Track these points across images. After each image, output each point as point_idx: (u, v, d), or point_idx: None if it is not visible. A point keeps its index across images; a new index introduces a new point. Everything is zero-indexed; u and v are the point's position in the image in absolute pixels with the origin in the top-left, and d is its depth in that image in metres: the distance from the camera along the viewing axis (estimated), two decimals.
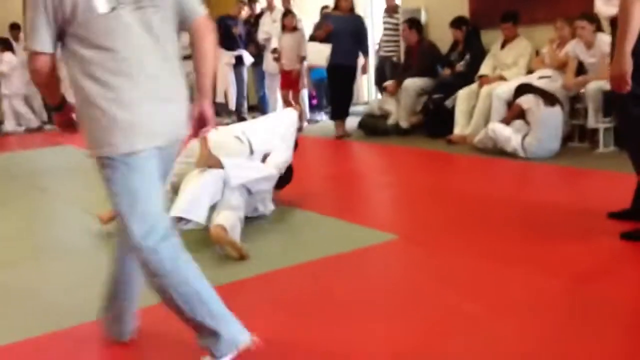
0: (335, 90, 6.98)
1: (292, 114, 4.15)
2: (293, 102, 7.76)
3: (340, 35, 6.62)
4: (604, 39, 4.89)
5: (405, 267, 2.92)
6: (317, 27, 7.29)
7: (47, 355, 2.21)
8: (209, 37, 2.02)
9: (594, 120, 5.01)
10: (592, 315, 2.20)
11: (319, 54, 6.78)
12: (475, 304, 2.34)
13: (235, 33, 8.51)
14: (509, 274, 2.62)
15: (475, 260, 2.81)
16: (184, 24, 1.98)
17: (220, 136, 3.40)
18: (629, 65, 2.72)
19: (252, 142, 3.56)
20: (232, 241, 2.97)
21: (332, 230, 3.44)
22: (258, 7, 9.10)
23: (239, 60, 8.67)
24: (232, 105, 8.82)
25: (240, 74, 8.79)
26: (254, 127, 3.78)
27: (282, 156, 3.67)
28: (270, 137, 3.71)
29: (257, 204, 3.57)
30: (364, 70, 7.35)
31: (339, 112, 6.95)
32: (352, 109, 9.09)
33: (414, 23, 6.81)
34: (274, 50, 8.00)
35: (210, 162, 3.24)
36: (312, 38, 7.18)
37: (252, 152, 3.54)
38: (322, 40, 6.77)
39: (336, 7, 6.89)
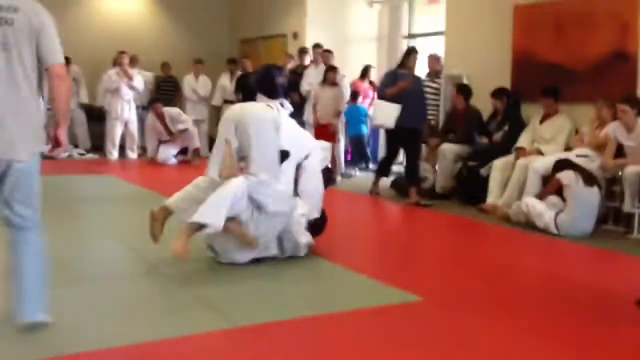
0: (408, 153, 6.57)
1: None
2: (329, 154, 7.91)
3: (410, 95, 6.25)
4: None
5: (424, 328, 2.91)
6: (386, 84, 6.52)
7: None
8: (60, 83, 2.53)
9: (630, 205, 4.97)
10: None
11: (388, 114, 6.26)
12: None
13: (277, 83, 8.75)
14: (531, 344, 2.60)
15: (491, 327, 2.79)
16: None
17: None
18: None
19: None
20: (242, 233, 3.44)
21: (355, 285, 3.46)
22: (307, 59, 9.34)
23: None
24: None
25: None
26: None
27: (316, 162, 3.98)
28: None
29: (284, 242, 3.67)
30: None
31: (412, 177, 6.44)
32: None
33: (463, 89, 6.91)
34: (308, 93, 8.23)
35: (231, 172, 3.55)
36: (381, 96, 6.50)
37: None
38: (390, 99, 6.27)
39: (402, 65, 6.49)
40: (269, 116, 3.88)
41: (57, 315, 2.87)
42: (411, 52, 6.52)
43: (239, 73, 10.37)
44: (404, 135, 6.31)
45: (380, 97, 6.48)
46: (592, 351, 2.63)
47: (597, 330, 2.87)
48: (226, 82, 10.54)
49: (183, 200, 3.79)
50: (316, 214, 3.96)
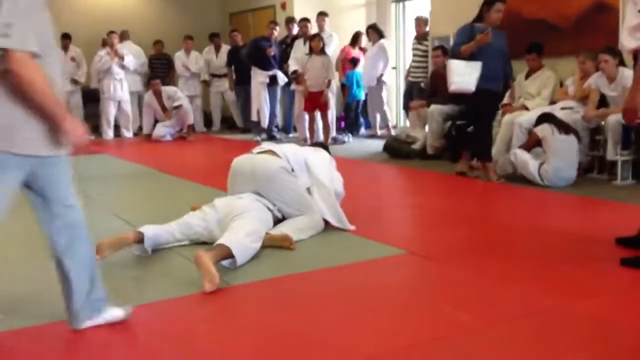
0: (482, 121, 5.45)
1: (324, 152, 4.18)
2: (322, 121, 8.02)
3: (490, 53, 5.16)
4: (626, 73, 4.98)
5: (407, 278, 3.05)
6: (462, 40, 5.29)
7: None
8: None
9: (613, 153, 5.08)
10: (580, 330, 2.31)
11: (466, 75, 5.18)
12: (468, 315, 2.46)
13: (269, 54, 8.81)
14: (507, 290, 2.73)
15: (476, 277, 2.92)
16: None
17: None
18: None
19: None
20: (207, 267, 2.84)
21: (344, 244, 3.58)
22: (295, 28, 9.37)
23: (273, 79, 8.96)
24: (265, 124, 9.09)
25: (273, 94, 9.07)
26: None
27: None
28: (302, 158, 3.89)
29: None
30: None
31: (483, 150, 5.46)
32: (380, 132, 9.29)
33: (441, 48, 6.98)
34: (294, 72, 8.30)
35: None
36: (455, 54, 5.35)
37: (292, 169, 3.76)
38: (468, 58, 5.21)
39: (480, 18, 5.29)
40: (278, 166, 3.71)
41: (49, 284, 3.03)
42: (493, 2, 5.18)
43: (224, 47, 10.45)
44: (485, 99, 5.26)
45: (454, 56, 5.34)
46: (573, 291, 2.75)
47: (577, 271, 2.99)
48: (212, 56, 10.60)
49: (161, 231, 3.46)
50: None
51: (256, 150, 3.89)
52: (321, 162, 3.95)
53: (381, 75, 8.76)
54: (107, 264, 3.05)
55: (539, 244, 3.47)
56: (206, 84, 10.83)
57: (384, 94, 8.93)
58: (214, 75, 10.69)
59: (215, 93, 10.78)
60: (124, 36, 10.34)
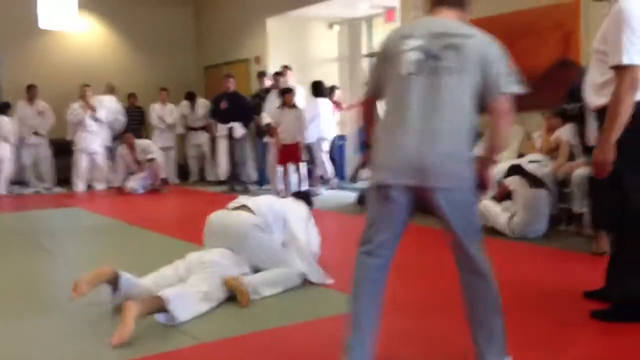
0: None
1: (302, 206, 4.18)
2: (296, 173, 8.08)
3: None
4: (594, 124, 5.13)
5: (382, 333, 3.01)
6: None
7: None
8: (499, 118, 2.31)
9: (580, 205, 5.17)
10: None
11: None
12: None
13: (222, 107, 9.03)
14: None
15: (449, 330, 2.91)
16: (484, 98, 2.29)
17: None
18: (611, 153, 2.84)
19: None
20: (125, 319, 2.81)
21: (320, 297, 3.56)
22: (266, 82, 9.52)
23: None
24: (222, 175, 9.19)
25: (231, 146, 9.14)
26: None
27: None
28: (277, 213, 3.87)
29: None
30: None
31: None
32: (352, 185, 9.35)
33: None
34: (267, 125, 8.41)
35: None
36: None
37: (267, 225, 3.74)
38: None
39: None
40: (251, 224, 3.70)
41: (26, 342, 2.94)
42: None
43: (200, 101, 10.59)
44: None
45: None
46: (544, 344, 2.76)
47: (548, 324, 3.01)
48: (187, 110, 10.70)
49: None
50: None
51: (231, 205, 3.87)
52: (298, 217, 3.95)
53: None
54: (66, 323, 2.97)
55: (510, 297, 3.45)
56: (180, 137, 10.86)
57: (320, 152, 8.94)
58: (190, 128, 10.73)
59: (192, 145, 10.77)
60: (111, 90, 10.37)
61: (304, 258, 3.77)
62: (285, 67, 8.99)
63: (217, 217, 3.82)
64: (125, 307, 2.85)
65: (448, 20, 2.36)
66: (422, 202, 2.32)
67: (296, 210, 4.00)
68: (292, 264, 3.72)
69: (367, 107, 2.53)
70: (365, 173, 7.65)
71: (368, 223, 2.39)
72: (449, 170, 2.23)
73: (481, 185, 2.36)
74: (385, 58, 2.37)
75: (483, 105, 2.31)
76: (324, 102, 8.93)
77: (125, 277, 3.28)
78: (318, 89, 8.91)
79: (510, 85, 2.30)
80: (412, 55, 2.27)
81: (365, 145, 2.71)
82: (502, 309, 2.40)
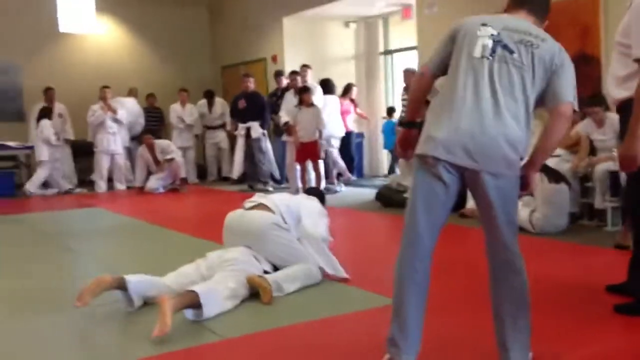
0: None
1: (315, 202, 4.17)
2: (314, 171, 8.09)
3: None
4: (614, 116, 5.09)
5: None
6: None
7: None
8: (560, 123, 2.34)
9: (601, 201, 5.14)
10: None
11: None
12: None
13: (240, 107, 9.06)
14: None
15: (469, 327, 2.91)
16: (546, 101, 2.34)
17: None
18: (639, 147, 2.79)
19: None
20: (163, 314, 2.84)
21: (339, 294, 3.59)
22: (284, 81, 9.56)
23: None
24: (235, 174, 9.26)
25: (249, 146, 9.17)
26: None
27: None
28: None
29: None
30: None
31: None
32: (372, 181, 9.37)
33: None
34: (285, 124, 8.43)
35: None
36: None
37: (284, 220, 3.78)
38: None
39: None
40: (269, 222, 3.73)
41: (46, 340, 3.01)
42: None
43: (217, 100, 10.65)
44: None
45: None
46: (567, 339, 2.75)
47: (570, 319, 3.00)
48: (205, 110, 10.78)
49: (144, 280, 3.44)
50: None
51: (248, 204, 3.90)
52: (311, 212, 3.96)
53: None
54: (87, 319, 3.03)
55: (534, 292, 3.45)
56: (197, 137, 10.95)
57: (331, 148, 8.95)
58: (208, 127, 10.81)
59: (210, 144, 10.85)
60: (131, 92, 10.52)
61: (321, 251, 3.79)
62: (305, 66, 8.99)
63: (235, 217, 3.85)
64: (161, 301, 2.88)
65: (526, 22, 2.40)
66: (468, 186, 2.31)
67: (309, 206, 4.02)
68: (310, 260, 3.75)
69: (424, 83, 2.49)
70: (402, 164, 7.53)
71: (411, 206, 2.35)
72: (504, 156, 2.23)
73: (523, 185, 2.35)
74: (458, 38, 2.38)
75: (541, 107, 2.35)
76: (332, 100, 8.94)
77: (134, 280, 3.31)
78: (326, 87, 8.92)
79: (574, 97, 2.34)
80: (487, 41, 2.31)
81: (408, 123, 2.66)
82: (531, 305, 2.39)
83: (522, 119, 2.28)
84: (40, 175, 9.51)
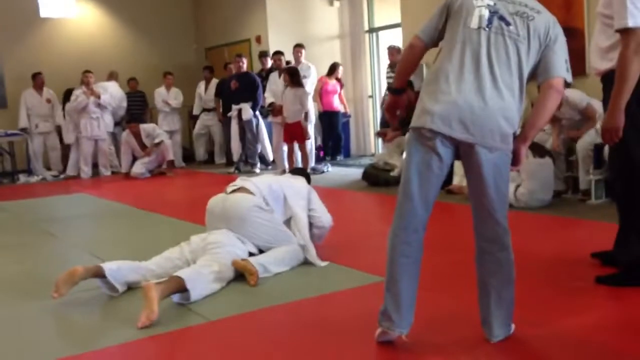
0: None
1: (301, 181, 4.14)
2: (300, 152, 8.06)
3: None
4: (570, 96, 5.19)
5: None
6: None
7: None
8: (551, 97, 2.32)
9: (584, 177, 5.18)
10: (559, 351, 2.32)
11: None
12: (448, 339, 2.46)
13: (233, 87, 8.96)
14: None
15: (454, 301, 2.93)
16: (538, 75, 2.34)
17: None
18: (622, 119, 2.82)
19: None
20: (150, 301, 2.82)
21: (325, 273, 3.59)
22: (269, 62, 9.48)
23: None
24: (235, 157, 9.17)
25: (241, 127, 9.09)
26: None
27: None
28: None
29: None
30: None
31: None
32: (358, 161, 9.36)
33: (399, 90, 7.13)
34: (270, 105, 8.37)
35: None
36: None
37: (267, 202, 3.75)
38: None
39: None
40: (250, 205, 3.69)
41: (30, 326, 2.99)
42: None
43: (212, 81, 10.54)
44: None
45: None
46: (551, 311, 2.78)
47: (554, 290, 3.03)
48: (202, 89, 10.67)
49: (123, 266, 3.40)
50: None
51: (229, 188, 3.86)
52: (296, 192, 3.94)
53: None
54: (71, 305, 3.02)
55: (518, 265, 3.48)
56: (193, 118, 10.84)
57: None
58: (204, 109, 10.72)
59: (201, 125, 10.72)
60: (112, 76, 10.40)
61: (303, 236, 3.77)
62: (298, 46, 8.86)
63: (217, 202, 3.80)
64: (146, 289, 2.86)
65: None
66: (462, 159, 2.32)
67: (294, 185, 3.98)
68: (294, 240, 3.74)
69: (414, 55, 2.47)
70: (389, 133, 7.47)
71: (406, 181, 2.32)
72: (500, 130, 2.24)
73: (514, 160, 2.35)
74: (454, 8, 2.36)
75: (533, 80, 2.34)
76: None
77: (113, 268, 3.29)
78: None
79: (567, 71, 2.33)
80: (484, 11, 2.29)
81: (396, 90, 2.63)
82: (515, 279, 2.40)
83: (517, 92, 2.27)
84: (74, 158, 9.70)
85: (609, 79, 3.00)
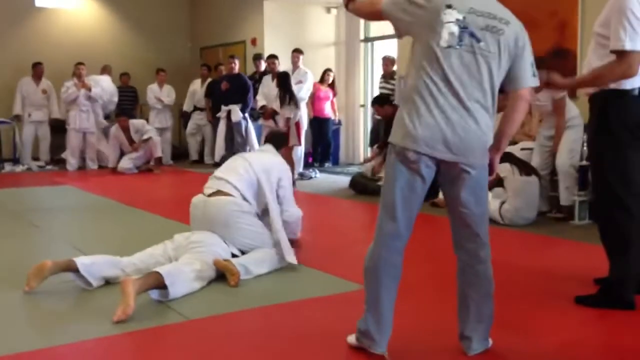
0: None
1: (270, 155, 4.05)
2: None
3: None
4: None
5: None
6: None
7: None
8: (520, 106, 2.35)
9: (566, 196, 5.22)
10: None
11: None
12: (425, 348, 2.47)
13: (223, 88, 8.96)
14: None
15: (434, 313, 2.94)
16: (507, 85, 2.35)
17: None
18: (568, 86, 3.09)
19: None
20: (126, 295, 2.81)
21: (304, 278, 3.59)
22: (262, 65, 9.48)
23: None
24: (217, 157, 9.15)
25: (229, 128, 9.06)
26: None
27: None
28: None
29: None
30: None
31: None
32: (347, 169, 9.37)
33: (383, 100, 7.23)
34: (262, 108, 8.37)
35: None
36: None
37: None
38: None
39: None
40: (230, 210, 3.67)
41: (4, 317, 2.96)
42: None
43: (208, 81, 10.49)
44: None
45: None
46: (529, 329, 2.79)
47: (533, 309, 3.04)
48: (197, 87, 10.60)
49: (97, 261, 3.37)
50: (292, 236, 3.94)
51: (207, 190, 3.78)
52: (268, 173, 3.81)
53: None
54: (48, 297, 2.99)
55: (498, 282, 3.49)
56: (183, 115, 10.77)
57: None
58: (196, 108, 10.66)
59: (193, 125, 10.65)
60: (105, 70, 10.34)
61: (275, 225, 3.72)
62: (297, 51, 8.86)
63: (198, 206, 3.74)
64: (124, 283, 2.84)
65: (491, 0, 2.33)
66: (444, 177, 2.32)
67: (265, 164, 3.83)
68: (276, 242, 3.73)
69: (370, 15, 2.56)
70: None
71: (389, 201, 2.31)
72: (480, 147, 2.26)
73: (488, 170, 2.37)
74: (423, 17, 2.28)
75: (504, 90, 2.34)
76: None
77: (86, 262, 3.26)
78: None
79: (534, 76, 2.34)
80: (454, 27, 2.23)
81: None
82: (494, 295, 2.41)
83: (490, 108, 2.29)
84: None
85: (596, 100, 3.04)
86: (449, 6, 2.24)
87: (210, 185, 3.82)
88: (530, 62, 2.33)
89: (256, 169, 3.81)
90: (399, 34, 2.48)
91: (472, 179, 2.28)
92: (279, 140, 4.27)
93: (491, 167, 2.38)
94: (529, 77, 2.33)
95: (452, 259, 2.49)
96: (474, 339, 2.41)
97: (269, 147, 4.17)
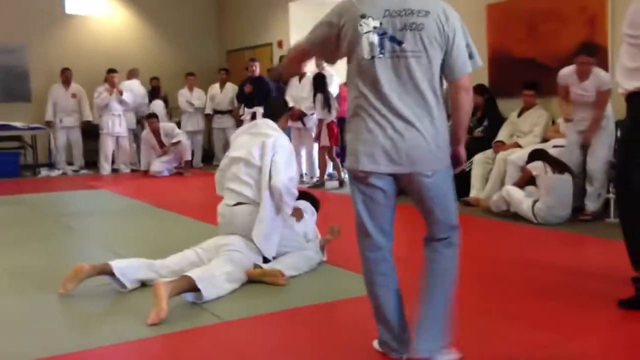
0: None
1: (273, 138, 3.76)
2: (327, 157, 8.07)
3: None
4: (602, 74, 5.06)
5: None
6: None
7: None
8: (462, 95, 2.29)
9: (593, 200, 5.16)
10: None
11: None
12: (464, 352, 2.46)
13: (246, 91, 9.00)
14: (500, 328, 2.73)
15: (469, 314, 2.92)
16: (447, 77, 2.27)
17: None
18: None
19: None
20: (159, 298, 2.86)
21: (338, 279, 3.61)
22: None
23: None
24: None
25: None
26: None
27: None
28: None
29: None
30: None
31: None
32: None
33: None
34: (290, 109, 8.37)
35: None
36: None
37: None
38: None
39: None
40: (252, 220, 3.65)
41: (42, 319, 3.03)
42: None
43: (228, 85, 10.58)
44: None
45: None
46: (566, 329, 2.76)
47: (570, 308, 3.00)
48: (216, 92, 10.69)
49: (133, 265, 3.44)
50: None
51: (230, 200, 3.70)
52: (275, 160, 3.66)
53: None
54: (84, 299, 3.05)
55: (533, 281, 3.48)
56: (208, 118, 10.87)
57: None
58: (216, 112, 10.74)
59: (217, 129, 10.75)
60: (133, 73, 10.49)
61: (261, 219, 3.59)
62: None
63: (225, 216, 3.71)
64: (156, 287, 2.90)
65: None
66: (404, 186, 2.30)
67: (267, 146, 3.67)
68: (306, 246, 3.76)
69: (302, 56, 2.54)
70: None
71: (357, 217, 2.33)
72: (429, 154, 2.19)
73: (455, 162, 2.36)
74: (343, 31, 2.21)
75: (445, 79, 2.27)
76: None
77: (121, 266, 3.33)
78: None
79: (471, 62, 2.25)
80: (372, 37, 2.14)
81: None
82: (454, 295, 2.37)
83: (434, 107, 2.20)
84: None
85: (633, 99, 2.99)
86: (363, 16, 2.15)
87: (231, 189, 3.74)
88: (462, 46, 2.21)
89: (265, 162, 3.65)
90: (330, 60, 2.44)
91: (432, 185, 2.23)
92: (276, 110, 3.97)
93: (457, 159, 2.36)
94: (464, 64, 2.22)
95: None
96: (421, 334, 2.30)
97: (264, 125, 3.83)
